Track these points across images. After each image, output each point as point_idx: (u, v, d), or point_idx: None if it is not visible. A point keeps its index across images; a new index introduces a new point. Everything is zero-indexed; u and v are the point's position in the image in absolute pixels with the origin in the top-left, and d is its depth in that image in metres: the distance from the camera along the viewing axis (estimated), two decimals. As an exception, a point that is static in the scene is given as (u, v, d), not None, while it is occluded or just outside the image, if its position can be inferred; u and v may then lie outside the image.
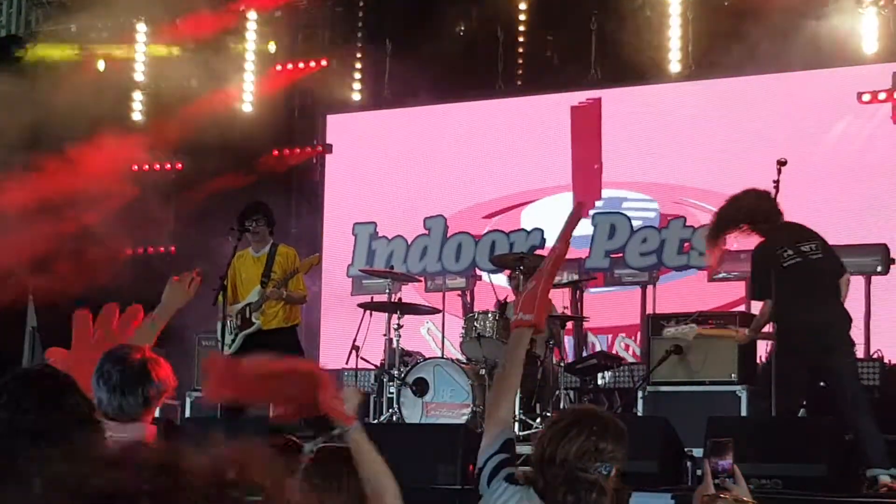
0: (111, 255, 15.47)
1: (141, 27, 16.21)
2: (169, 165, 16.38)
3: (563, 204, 14.27)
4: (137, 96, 16.47)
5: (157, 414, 12.63)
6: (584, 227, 13.91)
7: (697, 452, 9.02)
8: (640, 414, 10.77)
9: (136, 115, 16.47)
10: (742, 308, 12.09)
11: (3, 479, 3.00)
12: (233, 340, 10.87)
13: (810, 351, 8.93)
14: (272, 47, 15.76)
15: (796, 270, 8.97)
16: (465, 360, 11.57)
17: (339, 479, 4.68)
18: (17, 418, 3.10)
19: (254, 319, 10.85)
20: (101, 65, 16.24)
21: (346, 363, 12.07)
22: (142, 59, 16.30)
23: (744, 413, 10.28)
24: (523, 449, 9.81)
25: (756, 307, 11.53)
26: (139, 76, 16.38)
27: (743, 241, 12.59)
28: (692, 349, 10.71)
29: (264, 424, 10.37)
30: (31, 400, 3.15)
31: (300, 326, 11.54)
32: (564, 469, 3.99)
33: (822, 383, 9.37)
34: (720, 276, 12.62)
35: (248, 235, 11.01)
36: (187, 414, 12.57)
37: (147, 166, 16.30)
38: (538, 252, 13.03)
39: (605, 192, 14.19)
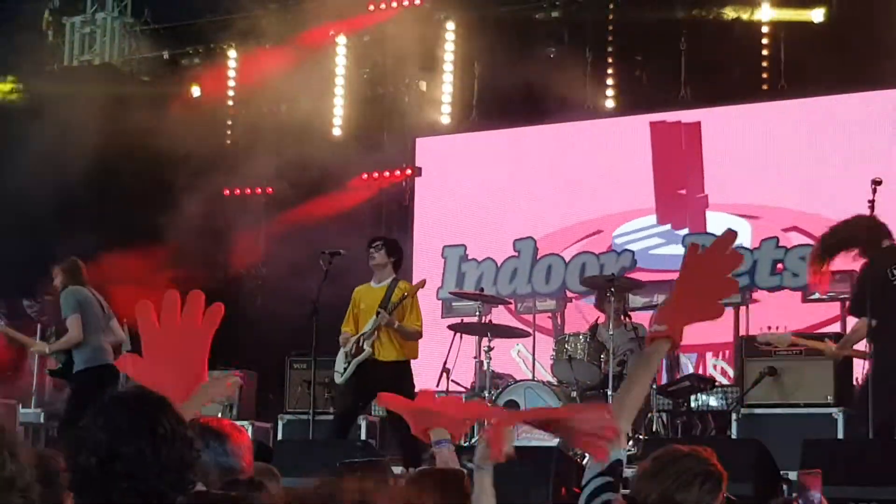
0: (203, 277, 15.63)
1: (232, 52, 16.38)
2: (259, 189, 16.50)
3: (652, 224, 14.20)
4: (229, 122, 16.64)
5: (250, 435, 12.71)
6: (676, 248, 13.81)
7: (793, 475, 8.90)
8: (734, 436, 10.66)
9: (228, 141, 16.63)
10: (837, 329, 11.93)
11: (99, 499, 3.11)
12: (345, 368, 10.88)
13: None
14: (364, 71, 15.83)
15: None
16: (556, 383, 11.52)
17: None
18: (115, 441, 3.17)
19: (365, 347, 10.81)
20: (195, 91, 16.43)
21: (437, 386, 12.06)
22: (233, 84, 16.46)
23: (840, 436, 10.13)
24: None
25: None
26: (230, 101, 16.54)
27: (839, 263, 12.46)
28: (787, 371, 10.59)
29: (357, 449, 10.39)
30: (126, 422, 3.20)
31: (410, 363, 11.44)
32: None
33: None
34: (814, 297, 12.48)
35: (370, 264, 11.03)
36: (279, 436, 12.63)
37: (238, 191, 16.44)
38: (629, 273, 12.98)
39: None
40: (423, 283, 11.25)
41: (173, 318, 4.00)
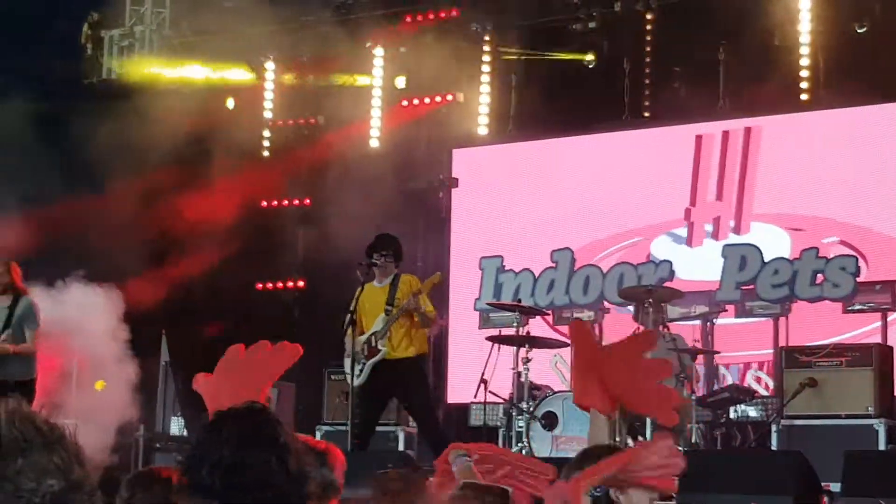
0: (241, 290, 15.68)
1: (269, 65, 16.44)
2: (297, 201, 16.53)
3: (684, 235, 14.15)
4: (266, 133, 16.69)
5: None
6: (715, 259, 13.74)
7: (835, 487, 8.84)
8: (774, 448, 10.59)
9: (266, 152, 16.68)
10: (878, 339, 11.84)
11: None
12: (360, 371, 10.89)
13: None
14: (401, 82, 15.84)
15: None
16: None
17: None
18: (242, 452, 3.17)
19: (380, 347, 10.84)
20: (230, 102, 16.49)
21: (475, 397, 12.02)
22: (270, 97, 16.52)
23: (882, 447, 10.05)
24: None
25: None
26: (268, 113, 16.59)
27: (879, 273, 12.40)
28: (827, 382, 10.53)
29: (394, 458, 10.39)
30: (251, 433, 3.21)
31: (427, 359, 11.52)
32: None
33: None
34: (855, 307, 12.40)
35: (374, 269, 11.03)
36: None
37: (276, 202, 16.47)
38: (667, 284, 12.92)
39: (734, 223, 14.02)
40: (438, 278, 11.26)
41: (256, 352, 4.12)
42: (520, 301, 13.19)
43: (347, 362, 11.05)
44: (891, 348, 11.01)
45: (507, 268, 14.76)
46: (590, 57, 14.83)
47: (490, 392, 11.78)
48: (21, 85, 14.51)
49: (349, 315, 10.95)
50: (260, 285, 16.30)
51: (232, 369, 4.12)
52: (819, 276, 13.03)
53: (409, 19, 15.60)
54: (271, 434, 3.20)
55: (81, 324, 12.79)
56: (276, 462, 3.14)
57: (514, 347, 11.81)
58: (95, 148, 14.45)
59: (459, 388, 14.19)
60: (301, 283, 16.36)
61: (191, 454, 3.20)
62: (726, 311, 12.97)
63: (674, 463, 3.73)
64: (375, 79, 15.97)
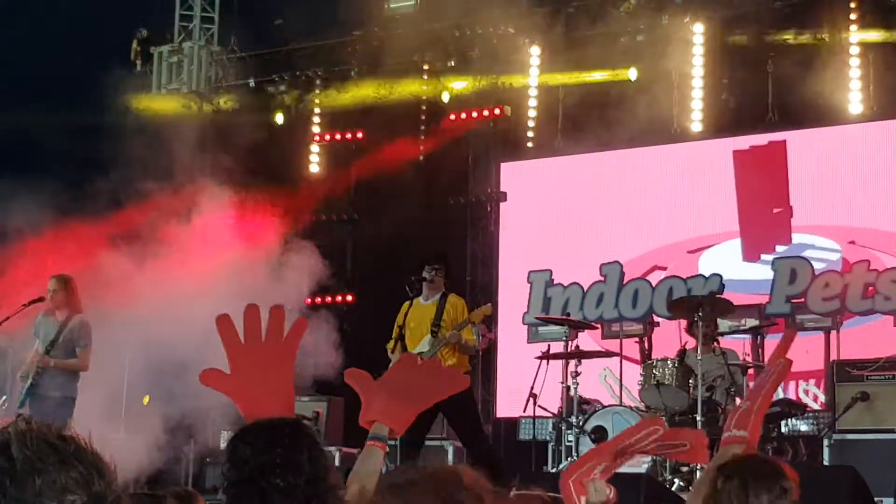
0: (290, 306, 15.69)
1: (317, 80, 16.48)
2: (346, 216, 16.56)
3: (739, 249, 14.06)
4: (315, 148, 16.74)
5: (337, 461, 12.65)
6: (764, 272, 13.66)
7: (887, 502, 8.76)
8: (826, 463, 10.51)
9: (314, 167, 16.72)
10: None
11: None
12: (406, 390, 10.87)
13: None
14: (448, 96, 15.86)
15: None
16: (643, 408, 11.42)
17: None
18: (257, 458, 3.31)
19: (423, 368, 10.81)
20: (279, 118, 16.55)
21: (524, 411, 11.99)
22: (318, 111, 16.57)
23: (936, 462, 9.95)
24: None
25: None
26: (315, 128, 16.64)
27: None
28: (880, 396, 10.44)
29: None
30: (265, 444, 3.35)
31: (474, 375, 11.49)
32: None
33: None
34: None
35: (423, 283, 11.01)
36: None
37: (324, 216, 16.50)
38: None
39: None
40: (489, 310, 11.21)
41: (257, 333, 3.98)
42: (568, 315, 13.15)
43: None
44: (945, 362, 10.91)
45: (555, 281, 14.73)
46: (636, 70, 14.79)
47: (539, 406, 11.74)
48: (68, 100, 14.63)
49: (397, 330, 10.94)
50: (309, 300, 16.32)
51: (245, 361, 3.99)
52: (870, 288, 12.93)
53: (457, 34, 15.61)
54: None
55: None
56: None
57: (563, 361, 11.78)
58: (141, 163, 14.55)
59: (508, 403, 14.16)
60: (350, 298, 16.38)
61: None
62: (777, 324, 12.88)
63: (652, 430, 3.86)
64: (423, 92, 15.99)
